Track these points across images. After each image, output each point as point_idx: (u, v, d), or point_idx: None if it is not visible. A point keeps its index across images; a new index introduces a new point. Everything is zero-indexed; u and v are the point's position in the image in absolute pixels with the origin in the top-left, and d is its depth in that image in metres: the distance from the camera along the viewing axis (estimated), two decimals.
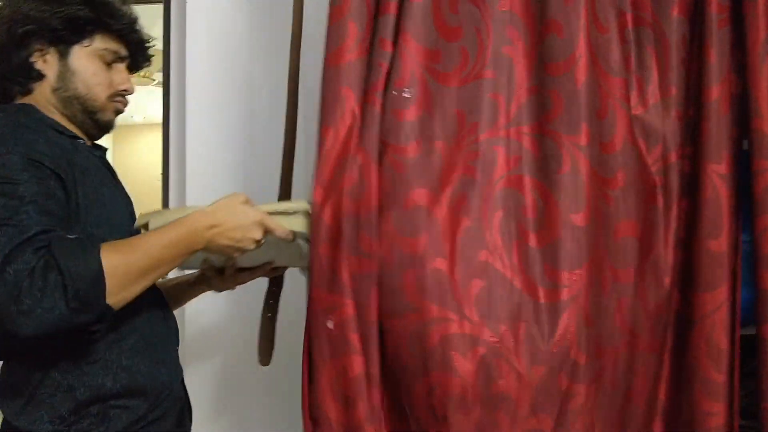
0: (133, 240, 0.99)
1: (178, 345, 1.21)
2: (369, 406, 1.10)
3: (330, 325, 1.10)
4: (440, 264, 1.08)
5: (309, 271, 1.13)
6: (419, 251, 1.09)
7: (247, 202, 1.07)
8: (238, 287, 1.30)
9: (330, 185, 1.13)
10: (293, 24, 1.32)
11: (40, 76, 1.08)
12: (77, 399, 1.00)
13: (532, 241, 1.16)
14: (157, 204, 1.97)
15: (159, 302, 1.17)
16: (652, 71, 1.25)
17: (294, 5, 1.32)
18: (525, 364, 1.10)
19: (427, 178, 1.13)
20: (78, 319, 0.89)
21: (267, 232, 1.06)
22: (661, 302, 1.21)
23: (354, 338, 1.09)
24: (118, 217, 1.10)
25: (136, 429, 1.04)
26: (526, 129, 1.20)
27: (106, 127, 1.16)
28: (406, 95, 1.15)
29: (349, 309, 1.09)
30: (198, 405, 1.29)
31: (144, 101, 5.38)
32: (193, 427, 1.23)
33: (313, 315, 1.12)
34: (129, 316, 1.05)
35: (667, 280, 1.21)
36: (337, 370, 1.10)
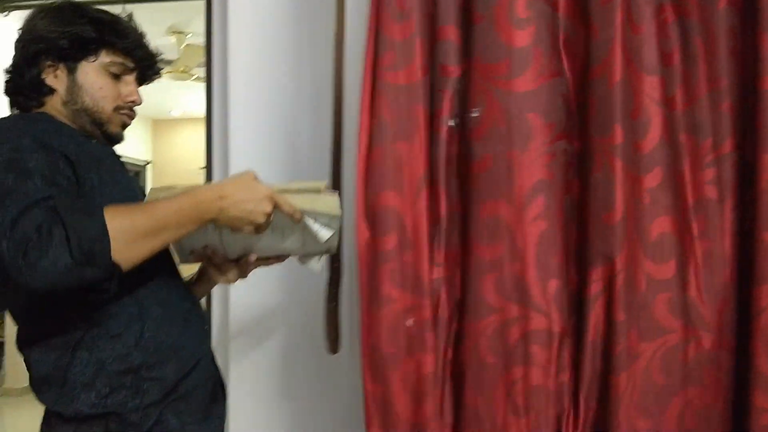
0: (140, 204, 1.04)
1: (204, 322, 1.25)
2: (436, 404, 1.18)
3: (409, 323, 1.19)
4: (518, 267, 1.17)
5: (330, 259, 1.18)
6: (498, 257, 1.18)
7: (257, 179, 1.09)
8: (277, 278, 1.31)
9: (407, 199, 1.21)
10: (337, 18, 1.32)
11: (51, 91, 1.14)
12: (108, 371, 1.04)
13: (572, 238, 1.24)
14: None
15: (180, 279, 1.22)
16: (699, 63, 1.23)
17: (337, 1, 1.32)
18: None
19: (504, 188, 1.20)
20: (84, 274, 0.91)
21: (276, 207, 1.08)
22: (724, 296, 1.21)
23: (429, 337, 1.18)
24: (135, 197, 1.15)
25: (169, 401, 1.08)
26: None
27: (114, 139, 1.20)
28: (474, 115, 1.22)
29: (427, 310, 1.18)
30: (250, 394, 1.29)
31: (182, 96, 5.45)
32: (249, 415, 1.25)
33: (393, 313, 1.18)
34: (150, 290, 1.09)
35: (726, 272, 1.21)
36: (411, 367, 1.19)
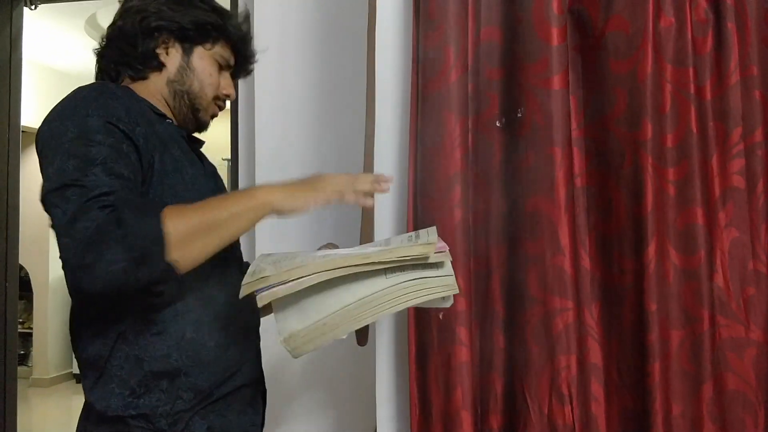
0: (197, 203, 0.99)
1: (254, 326, 1.20)
2: (466, 393, 1.22)
3: (440, 315, 1.22)
4: (560, 261, 1.20)
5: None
6: (540, 250, 1.21)
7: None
8: None
9: (438, 199, 1.24)
10: (369, 16, 1.33)
11: (160, 67, 1.14)
12: (145, 370, 1.01)
13: (605, 231, 1.26)
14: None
15: (237, 278, 1.14)
16: (732, 49, 1.22)
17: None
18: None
19: (546, 185, 1.23)
20: (139, 274, 0.90)
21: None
22: (758, 285, 1.21)
23: (461, 331, 1.22)
24: (198, 188, 1.10)
25: (200, 407, 1.04)
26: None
27: (202, 127, 1.20)
28: (519, 115, 1.25)
29: (460, 304, 1.21)
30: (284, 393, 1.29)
31: None
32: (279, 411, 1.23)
33: (424, 308, 1.20)
34: (199, 288, 1.05)
35: (759, 263, 1.21)
36: (442, 359, 1.23)
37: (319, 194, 1.01)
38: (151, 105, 1.12)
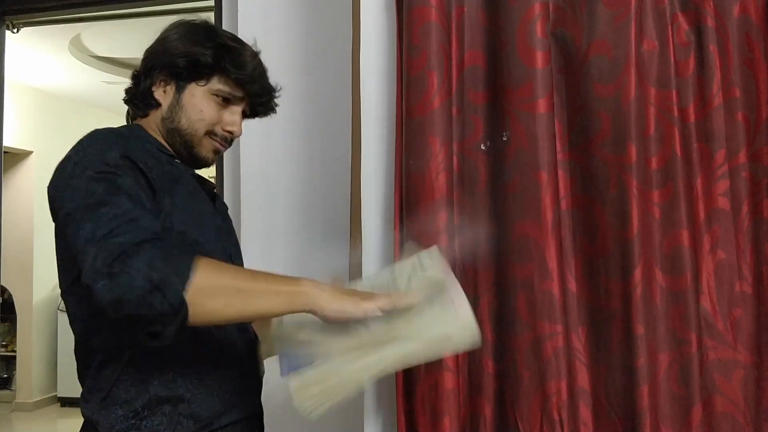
0: (239, 267, 1.01)
1: (257, 360, 1.19)
2: (453, 421, 1.21)
3: None
4: (548, 285, 1.20)
5: None
6: (528, 275, 1.20)
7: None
8: None
9: (424, 224, 1.23)
10: (353, 27, 1.33)
11: (157, 104, 1.16)
12: (150, 393, 1.03)
13: (591, 254, 1.26)
14: None
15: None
16: (714, 71, 1.23)
17: (354, 13, 1.33)
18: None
19: (533, 209, 1.23)
20: (153, 301, 0.88)
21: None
22: (745, 306, 1.21)
23: (448, 358, 1.21)
24: (206, 226, 1.12)
25: None
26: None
27: (202, 163, 1.19)
28: (504, 139, 1.25)
29: None
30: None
31: None
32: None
33: None
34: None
35: (745, 284, 1.22)
36: (429, 385, 1.21)
37: (368, 304, 0.95)
38: (161, 145, 1.14)
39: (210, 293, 0.92)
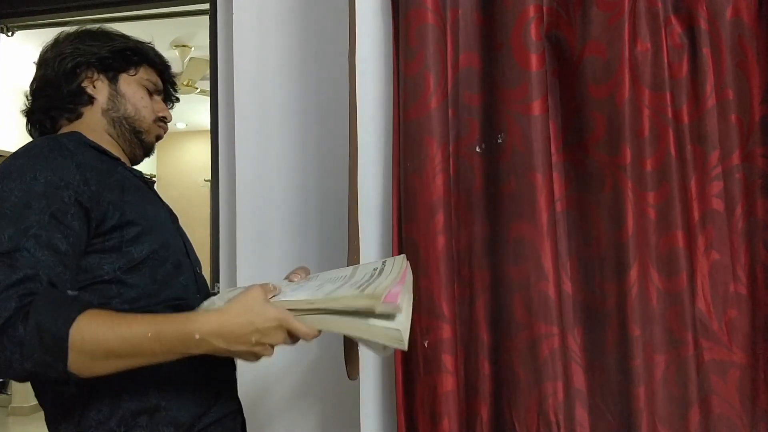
0: (123, 318, 0.93)
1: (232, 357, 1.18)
2: (453, 422, 1.20)
3: (426, 344, 1.21)
4: (544, 286, 1.20)
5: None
6: (524, 276, 1.21)
7: (266, 299, 0.96)
8: None
9: (420, 226, 1.23)
10: (350, 30, 1.33)
11: (90, 100, 1.17)
12: (123, 408, 1.00)
13: (586, 255, 1.26)
14: (203, 208, 1.98)
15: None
16: (707, 73, 1.24)
17: (350, 15, 1.33)
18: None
19: (528, 210, 1.23)
20: (34, 378, 0.92)
21: (291, 334, 0.95)
22: (740, 307, 1.22)
23: (447, 359, 1.20)
24: (163, 232, 1.11)
25: None
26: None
27: (149, 150, 1.24)
28: (499, 141, 1.25)
29: (445, 332, 1.20)
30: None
31: (186, 110, 5.46)
32: None
33: (412, 335, 1.19)
34: None
35: (740, 285, 1.22)
36: (428, 387, 1.21)
37: (264, 351, 0.95)
38: (103, 149, 1.11)
39: (89, 360, 0.89)
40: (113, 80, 1.18)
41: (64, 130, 1.16)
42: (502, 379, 1.24)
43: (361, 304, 0.87)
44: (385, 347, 0.91)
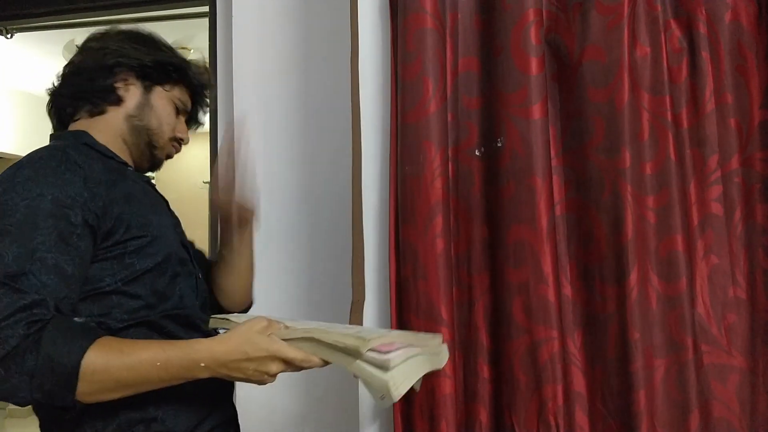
0: (132, 348, 0.94)
1: None
2: (450, 425, 1.20)
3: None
4: (543, 290, 1.20)
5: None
6: (524, 279, 1.20)
7: (265, 329, 0.98)
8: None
9: (419, 230, 1.23)
10: (352, 32, 1.33)
11: (118, 101, 1.15)
12: (120, 417, 1.00)
13: (585, 259, 1.26)
14: (202, 211, 1.97)
15: (206, 315, 1.17)
16: (707, 78, 1.24)
17: (351, 20, 1.33)
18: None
19: (527, 214, 1.23)
20: (40, 406, 0.92)
21: (287, 363, 0.98)
22: (739, 311, 1.22)
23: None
24: (166, 242, 1.10)
25: None
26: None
27: (156, 165, 1.23)
28: (499, 145, 1.25)
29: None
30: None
31: None
32: None
33: None
34: (170, 329, 1.06)
35: (739, 289, 1.22)
36: (427, 390, 1.21)
37: (256, 379, 0.98)
38: (112, 153, 1.12)
39: (99, 390, 0.91)
40: (147, 90, 1.17)
41: (80, 123, 1.15)
42: (501, 383, 1.24)
43: (349, 342, 0.91)
44: (382, 396, 0.92)
